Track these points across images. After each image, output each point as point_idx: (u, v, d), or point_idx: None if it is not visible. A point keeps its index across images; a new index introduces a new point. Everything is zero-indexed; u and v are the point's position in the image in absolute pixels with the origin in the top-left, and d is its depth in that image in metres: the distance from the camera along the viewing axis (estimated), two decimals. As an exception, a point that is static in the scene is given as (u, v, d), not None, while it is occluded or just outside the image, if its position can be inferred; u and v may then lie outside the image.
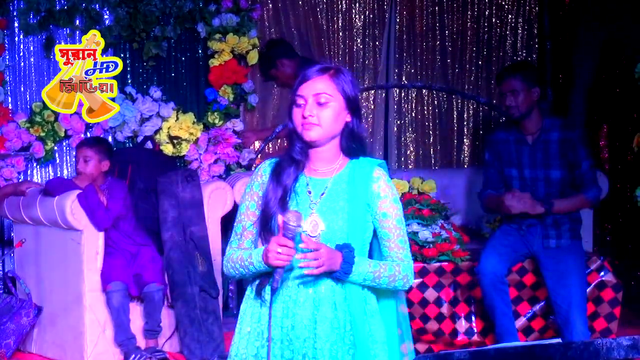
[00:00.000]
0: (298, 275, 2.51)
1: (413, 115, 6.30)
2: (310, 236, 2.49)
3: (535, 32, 6.38)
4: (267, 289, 2.51)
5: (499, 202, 4.60)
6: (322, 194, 2.55)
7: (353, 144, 2.57)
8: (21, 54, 5.44)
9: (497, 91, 6.25)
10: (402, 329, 2.65)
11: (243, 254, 2.55)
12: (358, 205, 2.54)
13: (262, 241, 2.58)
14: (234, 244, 2.62)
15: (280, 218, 2.44)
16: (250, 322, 2.58)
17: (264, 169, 2.61)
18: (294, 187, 2.55)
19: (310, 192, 2.55)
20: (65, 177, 5.26)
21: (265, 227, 2.56)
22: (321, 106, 2.51)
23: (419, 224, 4.83)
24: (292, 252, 2.41)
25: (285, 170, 2.55)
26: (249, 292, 2.62)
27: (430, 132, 6.32)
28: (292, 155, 2.55)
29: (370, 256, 2.61)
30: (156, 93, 5.55)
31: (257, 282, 2.57)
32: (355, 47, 6.18)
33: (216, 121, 5.65)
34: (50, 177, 5.37)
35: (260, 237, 2.59)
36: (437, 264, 4.82)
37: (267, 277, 2.50)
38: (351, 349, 2.51)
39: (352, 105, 2.56)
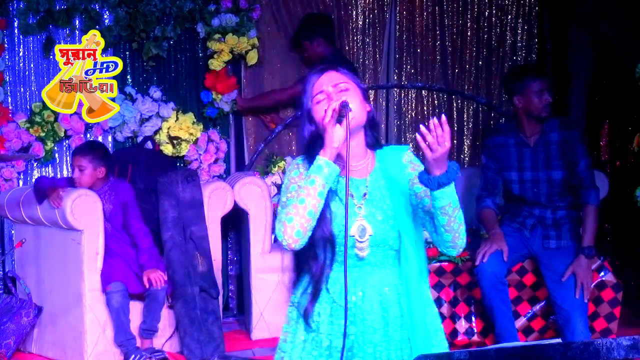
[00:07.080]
0: (359, 278, 2.48)
1: (413, 115, 6.29)
2: (359, 241, 2.46)
3: (535, 32, 6.37)
4: (316, 316, 2.48)
5: (494, 235, 4.58)
6: (364, 195, 2.51)
7: (375, 133, 2.54)
8: (21, 54, 5.44)
9: (497, 91, 6.29)
10: None
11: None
12: (401, 197, 2.51)
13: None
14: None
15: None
16: (305, 330, 2.52)
17: (304, 166, 2.52)
18: (335, 190, 2.49)
19: (352, 195, 2.50)
20: (63, 177, 5.26)
21: None
22: (345, 92, 2.49)
23: (419, 224, 4.83)
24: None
25: None
26: (293, 310, 2.56)
27: (431, 132, 6.31)
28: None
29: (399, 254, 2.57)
30: (156, 93, 5.55)
31: (301, 302, 2.52)
32: (355, 47, 6.17)
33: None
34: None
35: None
36: (437, 264, 4.81)
37: (312, 303, 2.47)
38: (407, 344, 2.50)
39: (366, 95, 2.55)
